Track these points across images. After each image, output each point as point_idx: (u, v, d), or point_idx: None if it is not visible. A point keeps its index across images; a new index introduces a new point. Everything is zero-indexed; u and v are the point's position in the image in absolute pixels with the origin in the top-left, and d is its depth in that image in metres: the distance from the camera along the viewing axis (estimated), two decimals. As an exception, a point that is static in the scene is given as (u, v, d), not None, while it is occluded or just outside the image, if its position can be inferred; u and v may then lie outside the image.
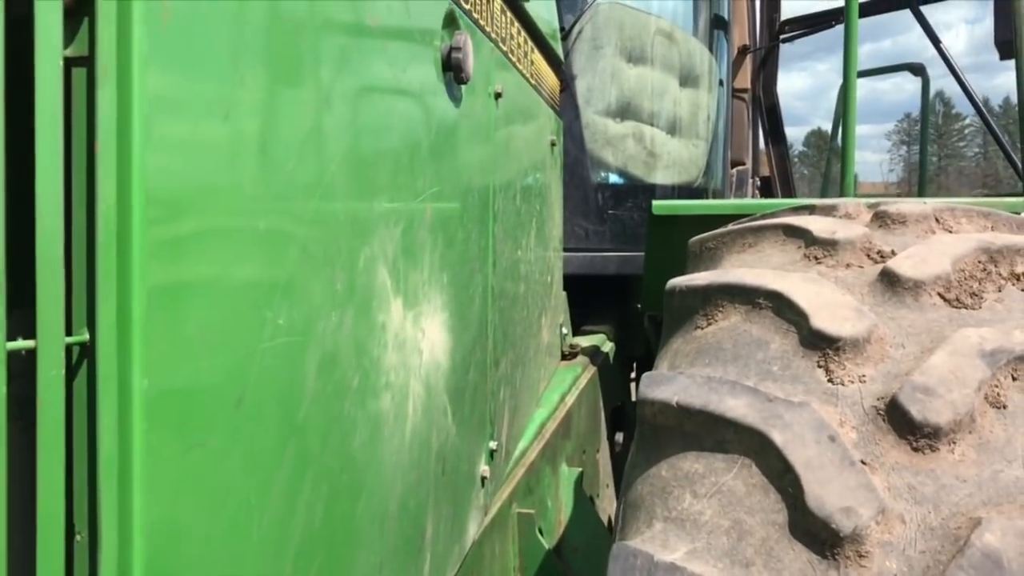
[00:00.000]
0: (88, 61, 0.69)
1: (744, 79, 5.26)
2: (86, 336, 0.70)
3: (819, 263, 1.61)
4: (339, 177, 1.13)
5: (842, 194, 2.80)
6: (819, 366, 1.35)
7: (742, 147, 5.14)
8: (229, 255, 0.87)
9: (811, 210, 1.91)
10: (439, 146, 1.55)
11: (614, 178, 3.31)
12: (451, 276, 1.63)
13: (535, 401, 2.63)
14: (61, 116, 0.67)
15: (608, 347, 3.38)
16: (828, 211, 1.86)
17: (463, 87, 1.68)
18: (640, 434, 1.45)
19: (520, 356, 2.33)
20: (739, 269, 1.62)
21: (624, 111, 3.27)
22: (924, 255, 1.49)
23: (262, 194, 0.93)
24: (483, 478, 1.92)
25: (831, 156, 5.07)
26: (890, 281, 1.46)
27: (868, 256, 1.59)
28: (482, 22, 1.89)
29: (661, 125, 3.35)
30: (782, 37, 5.44)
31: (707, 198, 3.59)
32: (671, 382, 1.39)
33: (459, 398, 1.72)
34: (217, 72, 0.84)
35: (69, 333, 0.69)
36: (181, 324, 0.78)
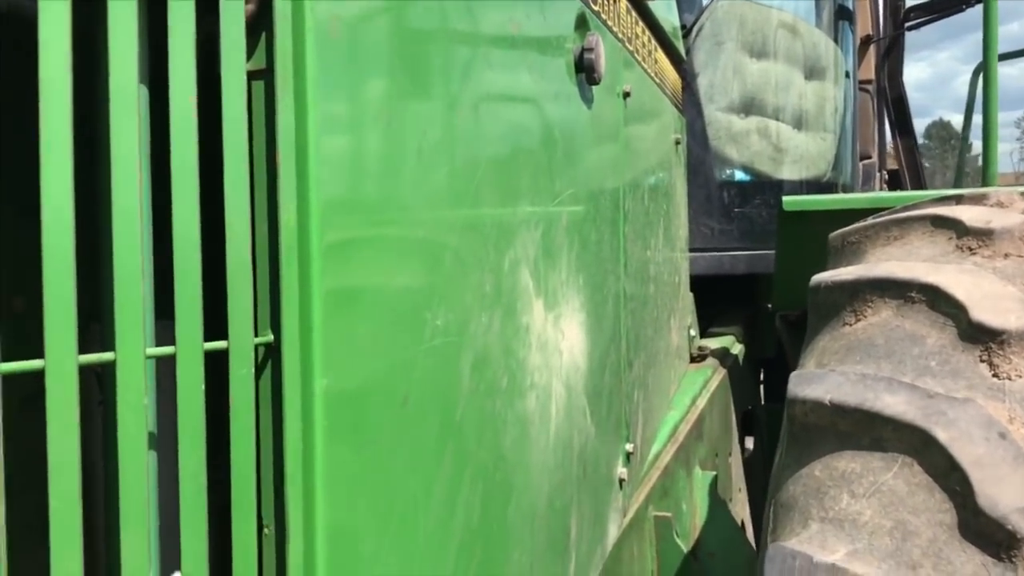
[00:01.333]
0: (267, 74, 0.72)
1: (868, 70, 5.08)
2: (271, 337, 0.73)
3: (974, 254, 1.54)
4: (485, 183, 1.15)
5: (985, 184, 2.67)
6: (982, 360, 1.29)
7: (868, 140, 4.97)
8: (393, 260, 0.89)
9: (959, 200, 1.83)
10: (574, 147, 1.56)
11: (740, 175, 3.25)
12: (586, 277, 1.63)
13: (667, 404, 2.60)
14: (246, 129, 0.70)
15: (737, 349, 3.32)
16: (978, 200, 1.78)
17: (595, 88, 1.68)
18: (790, 434, 1.41)
19: (651, 359, 2.31)
20: (888, 263, 1.57)
21: (748, 106, 3.21)
22: (1092, 242, 1.41)
23: (419, 202, 0.96)
24: (621, 480, 1.91)
25: (964, 146, 4.84)
26: (1055, 270, 1.38)
27: (1028, 245, 1.51)
28: (610, 22, 1.89)
29: (787, 119, 3.27)
30: (907, 25, 5.23)
31: (837, 193, 3.48)
32: (822, 380, 1.35)
33: (596, 400, 1.72)
34: (377, 84, 0.87)
35: (256, 335, 0.72)
36: (355, 325, 0.80)
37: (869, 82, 5.09)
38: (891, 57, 5.38)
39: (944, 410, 1.20)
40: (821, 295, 1.63)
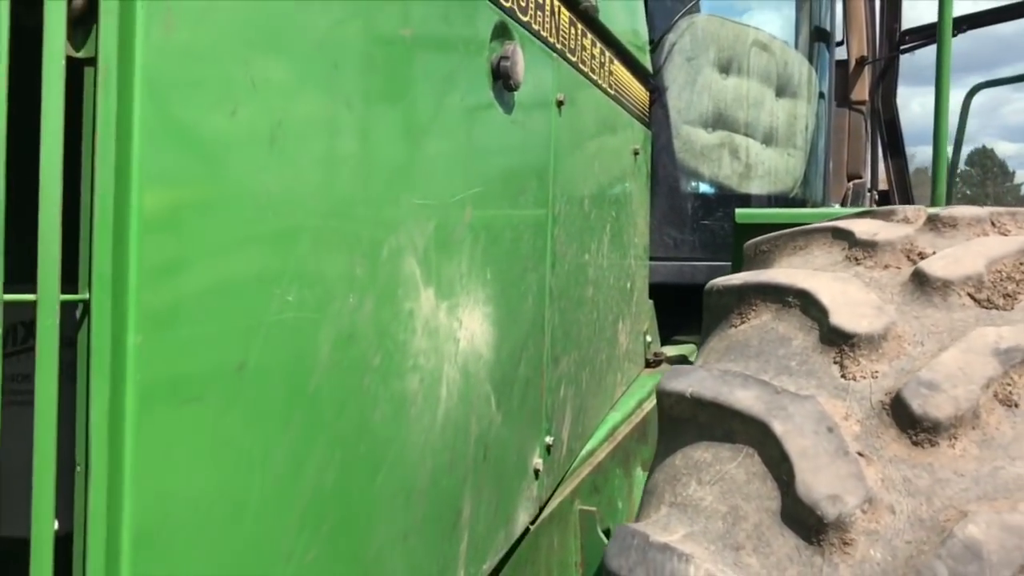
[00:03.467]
0: (93, 61, 0.82)
1: (862, 91, 5.14)
2: (86, 295, 0.82)
3: (859, 264, 1.62)
4: (357, 174, 1.24)
5: (933, 204, 2.74)
6: (835, 362, 1.36)
7: (859, 160, 5.02)
8: (231, 237, 0.98)
9: (872, 215, 1.90)
10: (483, 148, 1.64)
11: (704, 187, 3.32)
12: (496, 272, 1.71)
13: (609, 404, 2.68)
14: (62, 109, 0.80)
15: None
16: (886, 216, 1.85)
17: (516, 95, 1.77)
18: (660, 426, 1.50)
19: (587, 358, 2.39)
20: (774, 269, 1.65)
21: (716, 121, 3.29)
22: (959, 256, 1.48)
23: (272, 188, 1.05)
24: (536, 470, 1.99)
25: (953, 169, 4.89)
26: (920, 281, 1.46)
27: (908, 258, 1.58)
28: (544, 33, 1.98)
29: (754, 135, 3.34)
30: (902, 48, 5.28)
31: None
32: (689, 375, 1.43)
33: (506, 389, 1.80)
34: (227, 75, 0.96)
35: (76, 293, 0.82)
36: (178, 291, 0.89)
37: (863, 103, 5.14)
38: (885, 79, 5.43)
39: (785, 405, 1.27)
40: (713, 298, 1.71)
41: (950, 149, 4.16)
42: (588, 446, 2.45)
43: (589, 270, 2.38)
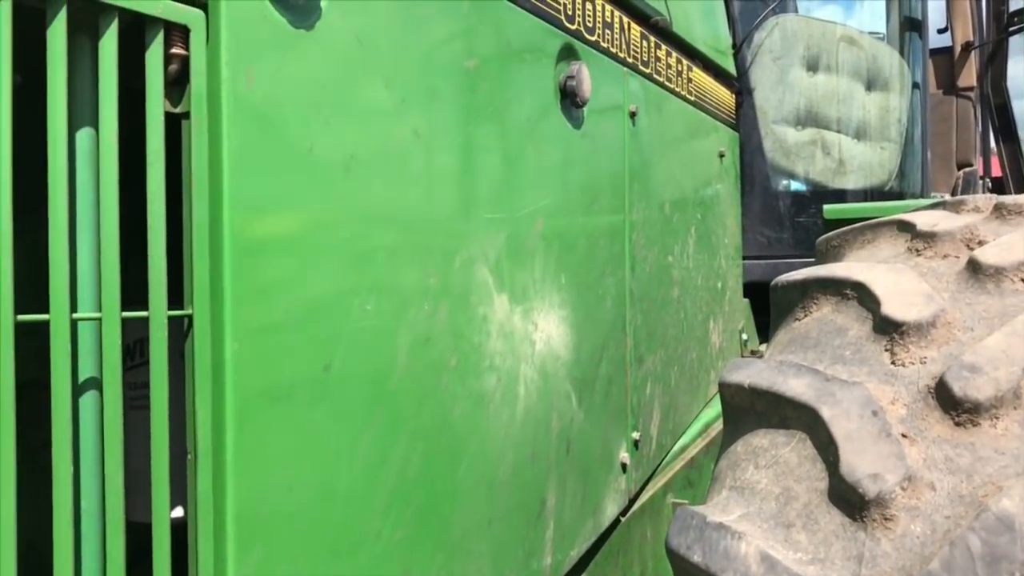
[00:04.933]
0: (187, 116, 0.99)
1: (969, 77, 5.00)
2: (189, 311, 0.99)
3: (919, 255, 1.66)
4: (429, 194, 1.38)
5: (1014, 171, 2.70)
6: (886, 350, 1.42)
7: (969, 148, 4.89)
8: (314, 256, 1.14)
9: (943, 206, 1.93)
10: (553, 163, 1.77)
11: (796, 185, 3.35)
12: (571, 278, 1.83)
13: (703, 401, 2.75)
14: (162, 151, 0.97)
15: (797, 353, 3.40)
16: (955, 206, 1.88)
17: (583, 110, 1.89)
18: (724, 415, 1.58)
19: (675, 356, 2.48)
20: (835, 264, 1.71)
21: (805, 118, 3.31)
22: (1013, 243, 1.51)
23: (348, 211, 1.20)
24: (624, 464, 2.10)
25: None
26: (974, 269, 1.50)
27: (967, 247, 1.62)
28: (613, 50, 2.09)
29: (845, 130, 3.35)
30: (1011, 30, 5.11)
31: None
32: (748, 367, 1.52)
33: (588, 388, 1.92)
34: (299, 116, 1.12)
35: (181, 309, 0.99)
36: (269, 305, 1.06)
37: (971, 89, 5.00)
38: (994, 63, 5.26)
39: (834, 391, 1.35)
40: (779, 294, 1.78)
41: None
42: (681, 442, 2.54)
43: (673, 272, 2.47)
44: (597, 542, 2.02)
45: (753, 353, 3.21)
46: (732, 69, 3.12)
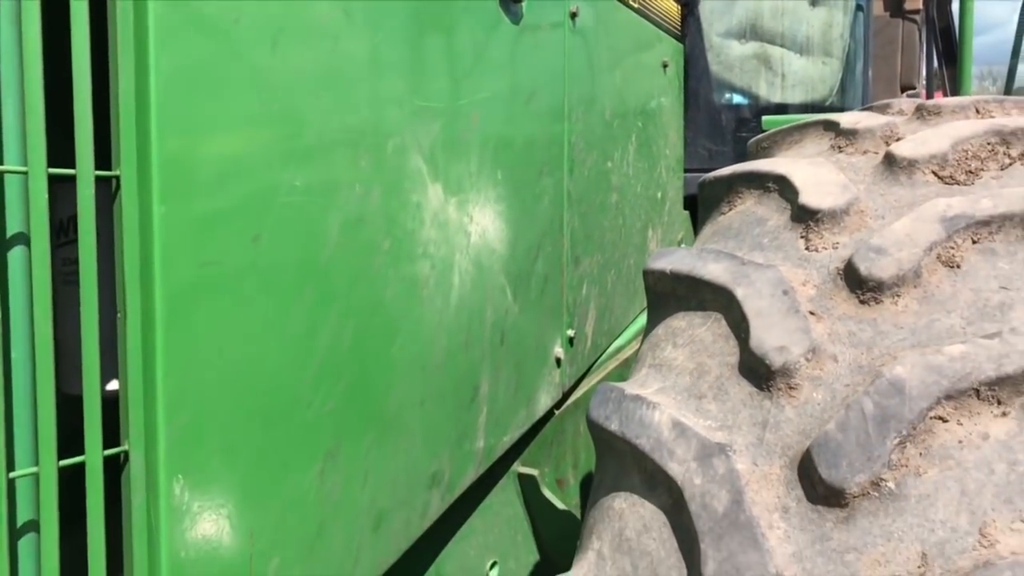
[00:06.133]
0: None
1: (916, 0, 5.04)
2: (117, 172, 1.01)
3: (842, 151, 1.72)
4: (363, 78, 1.40)
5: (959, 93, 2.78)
6: (801, 236, 1.49)
7: (913, 71, 4.96)
8: (240, 126, 1.16)
9: (869, 109, 1.99)
10: (489, 55, 1.79)
11: (738, 99, 3.39)
12: (508, 174, 1.87)
13: (640, 306, 2.83)
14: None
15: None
16: (881, 109, 1.94)
17: (521, 4, 1.90)
18: (647, 301, 1.65)
19: (612, 260, 2.54)
20: (759, 160, 1.76)
21: (749, 32, 3.34)
22: (927, 137, 1.57)
23: (277, 83, 1.22)
24: (558, 359, 2.17)
25: (1010, 80, 4.83)
26: (889, 162, 1.56)
27: (886, 143, 1.68)
28: (555, -52, 2.09)
29: (788, 45, 3.38)
30: (958, -49, 5.13)
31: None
32: (671, 255, 1.58)
33: (523, 283, 1.97)
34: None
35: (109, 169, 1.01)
36: (194, 171, 1.08)
37: (917, 12, 5.05)
38: (941, -15, 5.32)
39: (748, 273, 1.41)
40: (706, 190, 1.83)
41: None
42: (616, 343, 2.62)
43: (612, 177, 2.52)
44: (531, 432, 2.09)
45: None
46: (678, -21, 3.13)
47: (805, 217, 1.49)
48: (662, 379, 1.43)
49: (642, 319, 2.80)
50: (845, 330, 1.31)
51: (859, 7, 3.59)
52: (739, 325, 1.38)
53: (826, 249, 1.44)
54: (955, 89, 5.38)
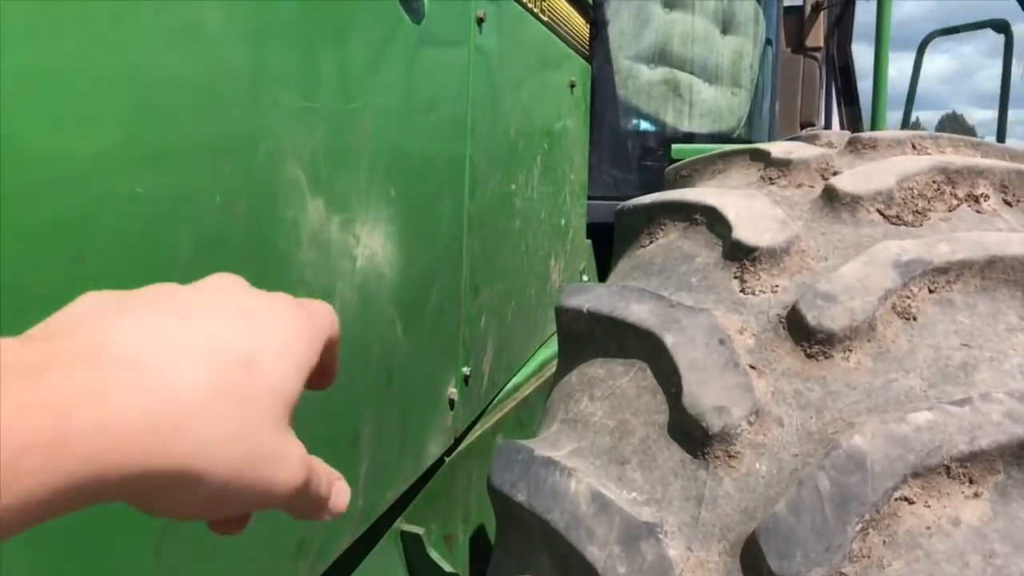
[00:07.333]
0: None
1: (817, 38, 5.08)
2: None
3: (772, 183, 1.56)
4: (236, 58, 1.15)
5: (873, 128, 2.70)
6: (735, 277, 1.31)
7: (812, 107, 4.98)
8: (75, 117, 0.90)
9: (796, 139, 1.85)
10: (383, 56, 1.56)
11: (646, 125, 3.25)
12: (402, 192, 1.63)
13: (539, 340, 2.63)
14: None
15: (637, 298, 3.34)
16: (810, 140, 1.80)
17: (424, 2, 1.68)
18: (559, 344, 1.44)
19: (513, 290, 2.33)
20: (684, 189, 1.59)
21: (658, 57, 3.21)
22: (870, 172, 1.43)
23: (116, 58, 0.96)
24: (451, 401, 1.94)
25: (907, 118, 4.90)
26: (829, 197, 1.40)
27: (822, 176, 1.53)
28: (463, -54, 1.89)
29: (697, 72, 3.27)
30: (858, -7, 5.22)
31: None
32: (587, 291, 1.38)
33: (416, 315, 1.74)
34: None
35: None
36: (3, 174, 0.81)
37: (818, 49, 5.09)
38: (841, 26, 5.38)
39: (679, 318, 1.22)
40: (623, 219, 1.65)
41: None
42: (514, 380, 2.40)
43: (516, 201, 2.31)
44: (417, 483, 1.85)
45: (593, 295, 3.11)
46: (589, -2, 2.98)
47: (740, 255, 1.32)
48: (577, 438, 1.22)
49: (541, 354, 2.60)
50: (791, 388, 1.13)
51: (768, 41, 3.51)
52: (668, 378, 1.18)
53: (764, 292, 1.27)
54: (854, 127, 5.44)
